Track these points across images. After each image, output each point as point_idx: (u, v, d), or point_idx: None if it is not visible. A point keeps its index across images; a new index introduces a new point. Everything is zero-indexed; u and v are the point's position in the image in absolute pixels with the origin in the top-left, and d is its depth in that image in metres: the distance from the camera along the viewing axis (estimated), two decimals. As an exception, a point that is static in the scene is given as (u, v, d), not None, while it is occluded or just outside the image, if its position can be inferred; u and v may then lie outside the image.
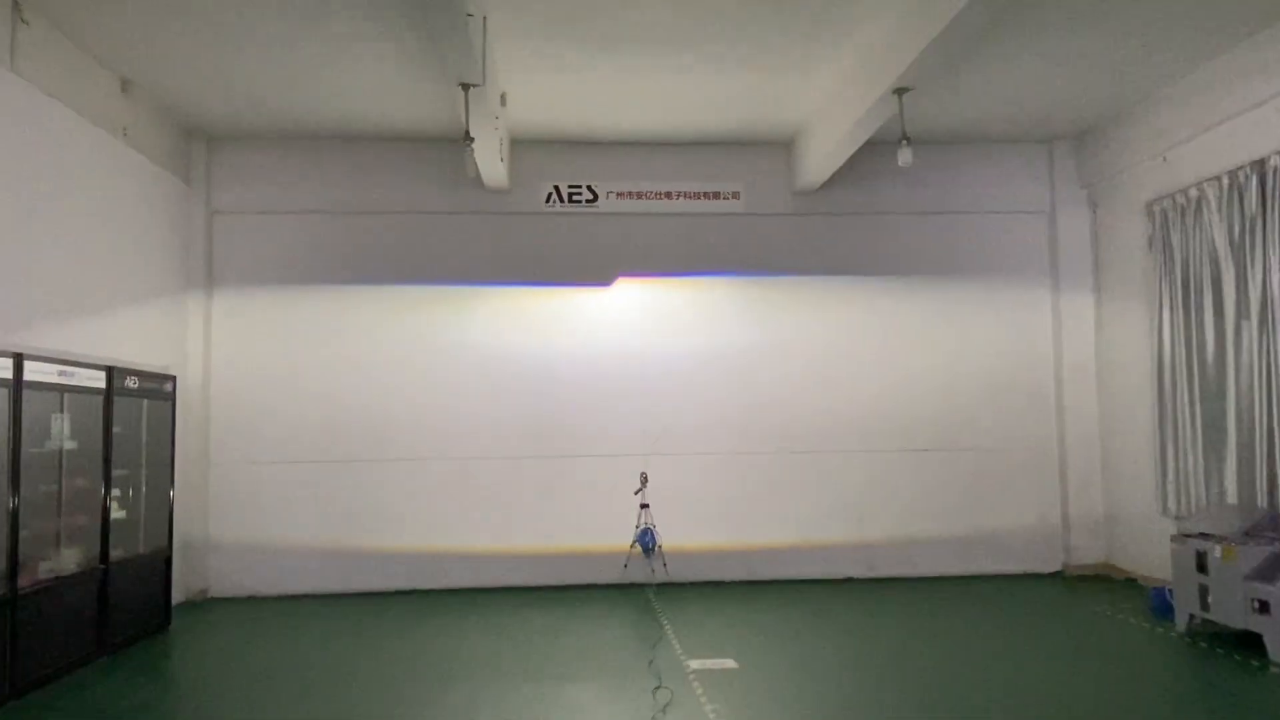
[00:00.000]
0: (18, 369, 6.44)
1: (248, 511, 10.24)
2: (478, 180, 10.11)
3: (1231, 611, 7.22)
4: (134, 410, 8.27)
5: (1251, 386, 8.29)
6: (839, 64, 8.60)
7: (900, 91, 7.89)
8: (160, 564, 8.65)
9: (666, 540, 10.16)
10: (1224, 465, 8.67)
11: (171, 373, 9.16)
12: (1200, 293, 9.03)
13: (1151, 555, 9.75)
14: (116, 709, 6.26)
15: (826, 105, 9.52)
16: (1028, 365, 11.07)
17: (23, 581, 6.46)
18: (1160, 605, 8.51)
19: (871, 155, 10.11)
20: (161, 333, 9.71)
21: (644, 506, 10.14)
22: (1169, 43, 8.29)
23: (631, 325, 10.80)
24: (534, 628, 8.48)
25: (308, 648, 7.96)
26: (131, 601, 8.05)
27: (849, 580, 10.55)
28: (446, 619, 8.94)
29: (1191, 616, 7.76)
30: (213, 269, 10.41)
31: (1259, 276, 8.18)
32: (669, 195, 10.85)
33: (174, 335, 9.99)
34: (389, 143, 10.60)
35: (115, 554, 7.79)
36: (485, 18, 7.24)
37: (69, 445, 7.23)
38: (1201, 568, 7.56)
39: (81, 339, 8.06)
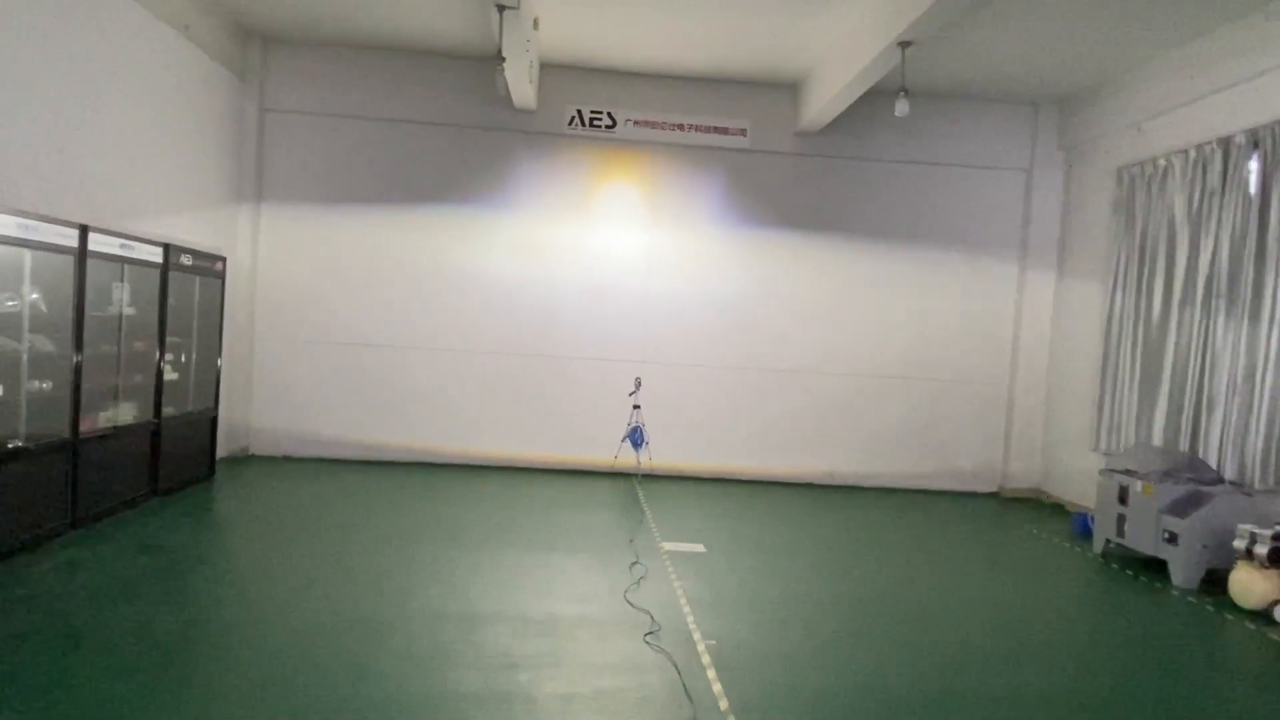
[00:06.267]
0: (83, 239, 6.37)
1: (287, 382, 10.29)
2: (507, 99, 9.81)
3: (1144, 539, 7.32)
4: (187, 285, 8.22)
5: (1189, 346, 8.21)
6: (849, 13, 8.24)
7: (904, 45, 7.56)
8: (206, 421, 8.75)
9: (653, 442, 10.25)
10: (1154, 412, 8.65)
11: (222, 254, 9.08)
12: (1155, 256, 8.86)
13: (1078, 485, 9.86)
14: (162, 541, 6.40)
15: (834, 52, 9.14)
16: (991, 308, 10.92)
17: (84, 428, 6.53)
18: (1081, 528, 8.66)
19: (870, 103, 9.79)
20: (214, 217, 9.56)
21: (636, 407, 10.19)
22: (1155, 20, 7.90)
23: (640, 249, 10.63)
24: (533, 504, 8.61)
25: (333, 503, 8.11)
26: (180, 452, 8.17)
27: (811, 485, 10.69)
28: (457, 490, 9.08)
29: (1108, 541, 7.88)
30: (263, 163, 10.19)
31: (1210, 245, 8.00)
32: (681, 127, 10.51)
33: (225, 220, 9.84)
34: (428, 56, 10.23)
35: (167, 410, 7.86)
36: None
37: (128, 312, 7.21)
38: (1123, 500, 7.63)
39: (141, 217, 7.95)
